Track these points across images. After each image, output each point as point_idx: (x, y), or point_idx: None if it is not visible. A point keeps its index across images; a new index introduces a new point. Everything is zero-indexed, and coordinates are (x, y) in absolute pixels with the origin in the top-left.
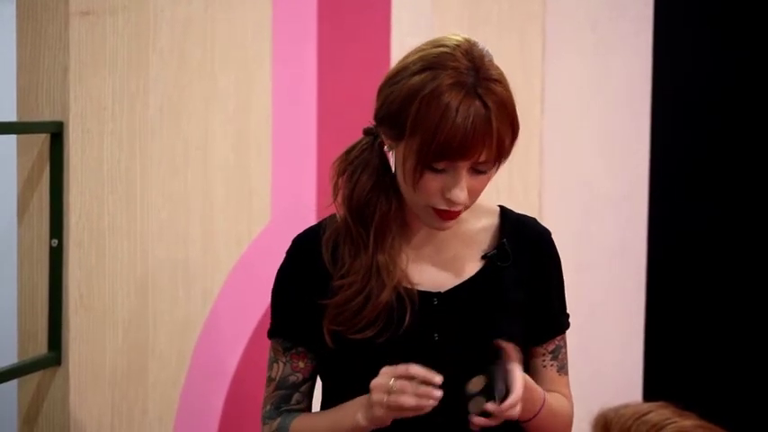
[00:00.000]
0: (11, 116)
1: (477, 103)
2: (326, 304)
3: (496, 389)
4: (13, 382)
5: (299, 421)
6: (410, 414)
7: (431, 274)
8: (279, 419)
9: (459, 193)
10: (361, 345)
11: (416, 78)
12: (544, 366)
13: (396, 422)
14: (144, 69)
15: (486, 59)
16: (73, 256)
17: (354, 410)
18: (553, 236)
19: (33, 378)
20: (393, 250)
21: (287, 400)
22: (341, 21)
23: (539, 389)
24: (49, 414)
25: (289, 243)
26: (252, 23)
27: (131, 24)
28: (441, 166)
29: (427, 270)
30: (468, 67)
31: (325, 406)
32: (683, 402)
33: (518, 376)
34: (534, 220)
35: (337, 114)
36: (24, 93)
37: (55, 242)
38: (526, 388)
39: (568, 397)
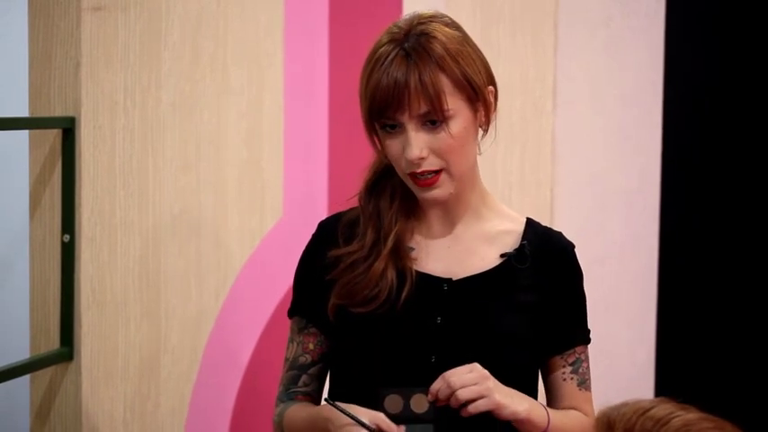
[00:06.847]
0: (23, 112)
1: (402, 54)
2: (333, 278)
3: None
4: (26, 378)
5: (293, 410)
6: None
7: (446, 263)
8: (281, 406)
9: (410, 151)
10: (360, 320)
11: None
12: (564, 380)
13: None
14: (156, 64)
15: (433, 20)
16: (85, 252)
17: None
18: (565, 230)
19: (46, 373)
20: (401, 228)
21: (295, 381)
22: (353, 16)
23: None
24: (61, 409)
25: (301, 238)
26: (264, 18)
27: (143, 19)
28: (386, 122)
29: (443, 258)
30: (404, 29)
31: (331, 392)
32: (696, 397)
33: None
34: (560, 233)
35: (349, 109)
36: (36, 88)
37: (67, 238)
38: None
39: (590, 414)
